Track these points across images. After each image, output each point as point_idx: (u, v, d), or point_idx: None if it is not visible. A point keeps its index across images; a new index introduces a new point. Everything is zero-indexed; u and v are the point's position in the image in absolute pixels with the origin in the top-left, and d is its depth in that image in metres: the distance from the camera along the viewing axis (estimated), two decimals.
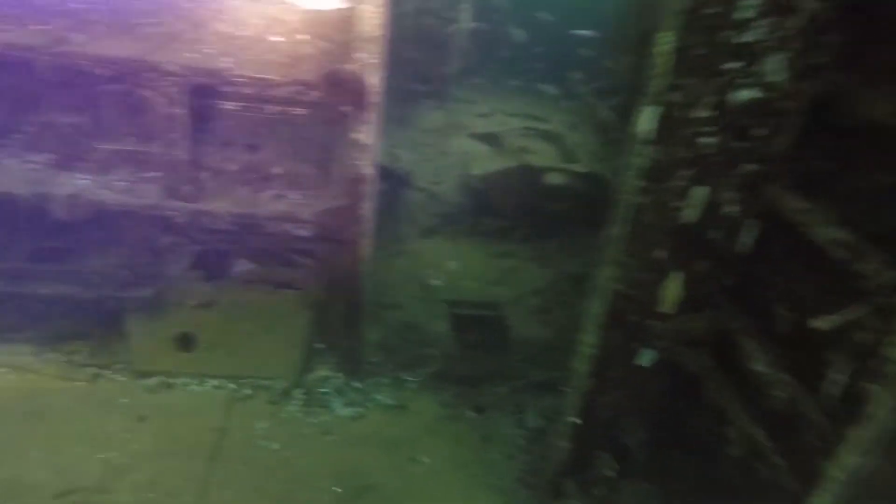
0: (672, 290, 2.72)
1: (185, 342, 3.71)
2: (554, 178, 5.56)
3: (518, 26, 6.99)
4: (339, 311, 3.79)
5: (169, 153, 3.26)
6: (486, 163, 5.71)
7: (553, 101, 6.85)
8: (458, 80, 6.66)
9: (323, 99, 3.13)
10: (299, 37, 3.13)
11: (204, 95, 3.21)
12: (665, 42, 2.14)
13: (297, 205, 3.42)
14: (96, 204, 3.30)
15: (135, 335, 3.68)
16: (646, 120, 2.28)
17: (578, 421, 2.96)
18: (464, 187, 5.72)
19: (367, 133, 3.14)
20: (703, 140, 2.37)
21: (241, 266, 3.74)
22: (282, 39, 3.15)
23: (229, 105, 3.33)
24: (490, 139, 6.15)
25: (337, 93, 3.05)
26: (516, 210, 5.54)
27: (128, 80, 3.10)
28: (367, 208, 3.38)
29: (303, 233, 3.47)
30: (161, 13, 3.06)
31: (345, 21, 3.13)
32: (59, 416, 3.33)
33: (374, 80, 3.00)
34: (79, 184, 3.30)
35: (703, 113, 2.31)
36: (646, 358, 2.86)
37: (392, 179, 5.12)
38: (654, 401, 2.98)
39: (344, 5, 3.06)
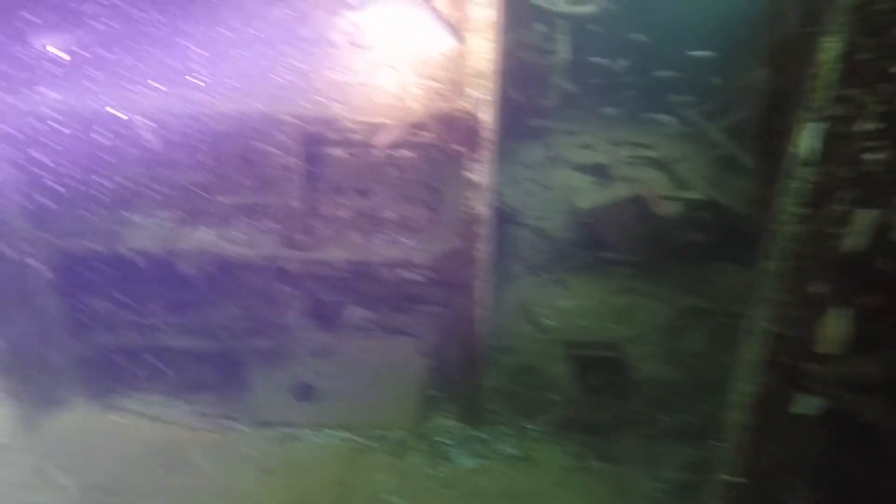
0: (834, 328, 2.39)
1: (303, 392, 3.70)
2: (667, 207, 5.27)
3: (617, 52, 6.78)
4: (455, 356, 3.67)
5: (283, 203, 3.30)
6: (593, 195, 5.50)
7: (660, 126, 6.56)
8: (559, 112, 6.51)
9: (433, 140, 3.07)
10: (408, 78, 3.10)
11: (315, 143, 3.24)
12: (829, 48, 1.89)
13: (410, 249, 3.37)
14: (218, 257, 3.39)
15: (255, 386, 3.72)
16: (808, 138, 2.02)
17: (733, 478, 2.64)
18: (571, 222, 5.53)
19: (480, 172, 3.04)
20: (868, 156, 2.08)
21: (356, 313, 3.71)
22: (390, 82, 3.14)
23: (340, 151, 3.35)
24: (595, 170, 5.95)
25: (448, 132, 2.99)
26: (629, 243, 5.27)
27: (244, 134, 3.18)
28: (482, 250, 3.26)
29: (416, 277, 3.40)
30: (274, 66, 3.14)
31: (453, 60, 3.08)
32: (191, 468, 3.38)
33: (486, 116, 2.91)
34: (202, 238, 3.41)
35: (868, 125, 2.03)
36: (807, 406, 2.52)
37: (496, 217, 5.01)
38: (823, 455, 2.61)
39: (451, 44, 3.00)
